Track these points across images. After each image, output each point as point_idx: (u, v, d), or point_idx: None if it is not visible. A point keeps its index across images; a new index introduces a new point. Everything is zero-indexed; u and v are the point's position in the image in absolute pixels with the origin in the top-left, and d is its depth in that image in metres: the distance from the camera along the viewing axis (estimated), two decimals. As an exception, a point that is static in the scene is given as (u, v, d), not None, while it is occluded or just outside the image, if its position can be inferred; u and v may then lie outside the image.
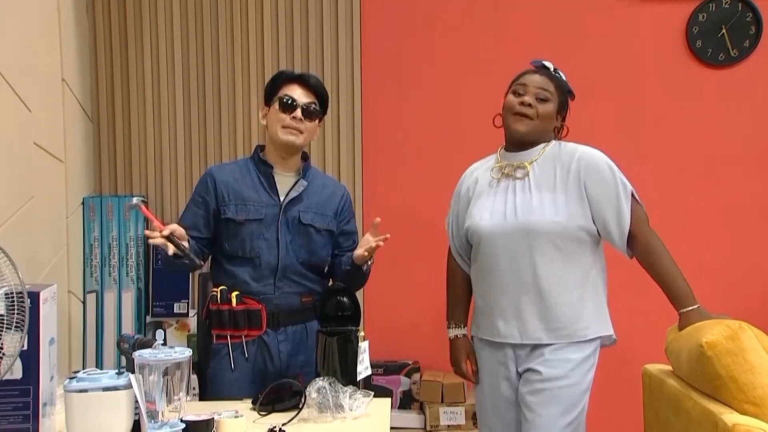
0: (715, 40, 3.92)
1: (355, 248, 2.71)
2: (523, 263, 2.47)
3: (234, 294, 2.59)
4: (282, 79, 2.69)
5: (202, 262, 2.58)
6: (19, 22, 2.80)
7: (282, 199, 2.65)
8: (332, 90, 4.00)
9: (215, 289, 2.62)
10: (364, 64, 4.01)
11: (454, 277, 2.78)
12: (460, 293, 2.76)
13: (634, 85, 3.96)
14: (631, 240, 2.51)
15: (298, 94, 2.65)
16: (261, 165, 2.68)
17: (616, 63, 3.97)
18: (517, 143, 2.57)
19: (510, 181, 2.55)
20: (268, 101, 2.72)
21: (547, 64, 2.66)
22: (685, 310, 2.49)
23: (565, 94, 2.61)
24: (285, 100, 2.63)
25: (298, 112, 2.62)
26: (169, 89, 4.03)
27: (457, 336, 2.74)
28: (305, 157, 2.77)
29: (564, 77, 2.65)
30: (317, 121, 2.71)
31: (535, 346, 2.49)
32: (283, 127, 2.62)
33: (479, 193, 2.62)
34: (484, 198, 2.59)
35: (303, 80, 2.68)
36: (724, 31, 3.90)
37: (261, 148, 2.75)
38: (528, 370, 2.49)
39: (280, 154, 2.67)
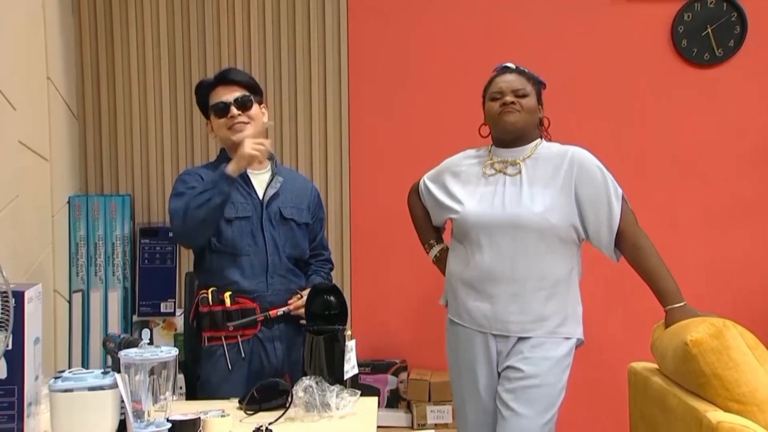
0: (700, 40, 3.94)
1: (323, 245, 2.88)
2: (506, 254, 2.50)
3: (227, 294, 2.58)
4: (205, 90, 2.71)
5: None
6: (4, 20, 2.79)
7: (261, 196, 2.66)
8: (319, 89, 4.00)
9: (205, 291, 2.61)
10: (351, 64, 4.01)
11: (415, 209, 2.88)
12: (427, 220, 2.84)
13: (619, 84, 3.97)
14: (620, 239, 2.54)
15: (223, 95, 2.65)
16: None
17: (602, 62, 3.98)
18: (510, 139, 2.61)
19: (501, 176, 2.59)
20: (206, 114, 2.74)
21: (510, 65, 2.70)
22: (671, 306, 2.52)
23: (537, 85, 2.66)
24: (216, 108, 2.65)
25: (233, 110, 2.63)
26: (155, 87, 4.01)
27: (441, 251, 2.82)
28: (270, 156, 2.76)
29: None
30: (258, 106, 2.71)
31: (516, 341, 2.51)
32: (228, 128, 2.64)
33: (467, 181, 2.65)
34: (472, 187, 2.62)
35: (222, 81, 2.68)
36: (709, 30, 3.92)
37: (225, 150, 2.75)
38: (507, 368, 2.52)
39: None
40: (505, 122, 2.57)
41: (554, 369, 2.49)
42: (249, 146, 2.50)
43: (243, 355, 2.58)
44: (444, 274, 2.77)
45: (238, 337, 2.58)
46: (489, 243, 2.52)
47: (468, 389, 2.63)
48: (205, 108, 2.73)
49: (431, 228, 2.85)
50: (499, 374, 2.56)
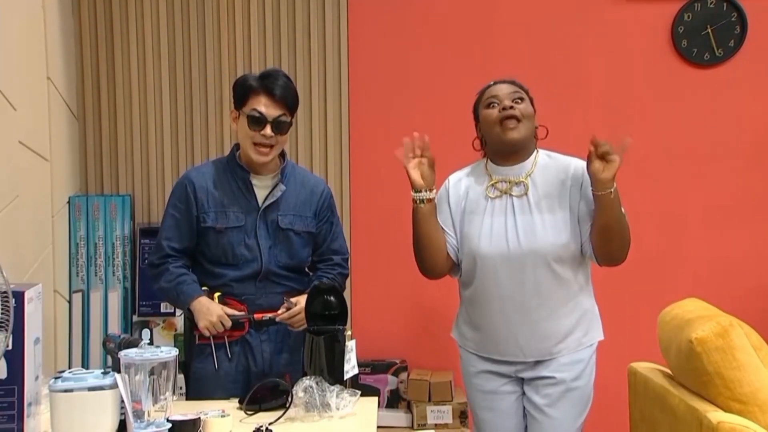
0: (700, 40, 3.94)
1: (333, 250, 2.78)
2: (526, 286, 2.43)
3: (216, 294, 2.59)
4: (249, 88, 2.59)
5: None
6: (4, 20, 2.79)
7: (260, 203, 2.63)
8: (319, 89, 4.00)
9: None
10: (351, 64, 4.01)
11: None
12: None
13: (620, 85, 3.97)
14: None
15: (266, 107, 2.56)
16: (239, 171, 2.65)
17: (602, 62, 3.98)
18: (510, 152, 2.50)
19: (507, 198, 2.49)
20: (237, 105, 2.64)
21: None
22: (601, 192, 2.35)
23: (528, 94, 2.56)
24: (254, 117, 2.55)
25: (268, 130, 2.55)
26: (155, 88, 4.01)
27: (429, 201, 2.50)
28: (282, 153, 2.73)
29: None
30: (287, 131, 2.65)
31: (538, 361, 2.50)
32: (254, 143, 2.57)
33: (472, 209, 2.53)
34: (479, 216, 2.51)
35: (270, 91, 2.56)
36: (709, 30, 3.92)
37: (238, 146, 2.70)
38: (540, 377, 2.49)
39: (251, 163, 2.64)
40: (509, 139, 2.44)
41: (586, 371, 2.50)
42: (208, 324, 2.54)
43: (229, 356, 2.59)
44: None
45: (225, 338, 2.59)
46: (507, 278, 2.44)
47: (495, 419, 2.58)
48: (237, 98, 2.64)
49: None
50: (521, 379, 2.53)
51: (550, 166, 2.50)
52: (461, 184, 2.59)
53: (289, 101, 2.61)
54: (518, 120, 2.44)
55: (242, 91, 2.61)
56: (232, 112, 2.69)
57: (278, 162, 2.70)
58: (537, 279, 2.43)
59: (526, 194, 2.47)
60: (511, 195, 2.48)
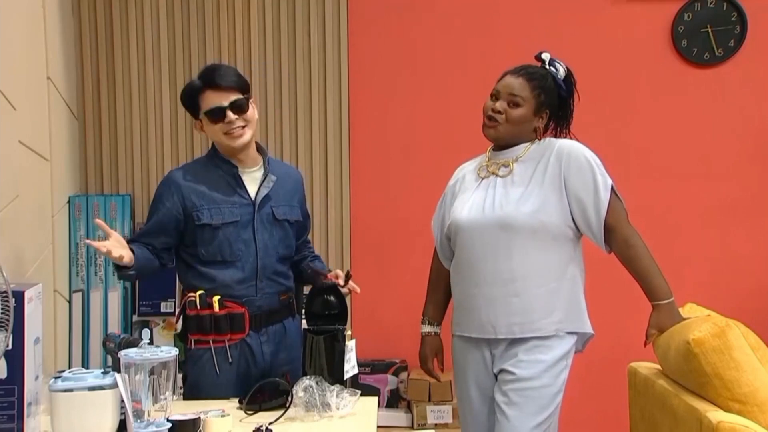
0: (700, 40, 3.94)
1: (306, 228, 2.86)
2: (498, 256, 2.47)
3: (216, 298, 2.53)
4: (195, 92, 2.59)
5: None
6: (4, 20, 2.79)
7: (253, 197, 2.61)
8: (319, 89, 4.00)
9: (193, 294, 2.56)
10: (351, 64, 4.01)
11: (435, 275, 2.81)
12: (438, 291, 2.78)
13: (620, 84, 3.98)
14: (610, 234, 2.51)
15: (217, 99, 2.54)
16: (224, 165, 2.62)
17: (602, 62, 3.98)
18: (495, 144, 2.63)
19: (493, 177, 2.58)
20: (194, 114, 2.63)
21: (544, 56, 2.67)
22: (658, 302, 2.51)
23: (549, 93, 2.59)
24: (212, 113, 2.54)
25: (230, 115, 2.54)
26: (155, 87, 4.01)
27: (428, 333, 2.78)
28: (261, 149, 2.71)
29: (560, 71, 2.65)
30: (250, 107, 2.62)
31: (510, 344, 2.49)
32: (225, 134, 2.55)
33: (463, 189, 2.64)
34: (466, 194, 2.62)
35: (213, 84, 2.55)
36: (709, 30, 3.93)
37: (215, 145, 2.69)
38: (501, 371, 2.50)
39: (235, 154, 2.61)
40: (486, 134, 2.59)
41: (548, 371, 2.46)
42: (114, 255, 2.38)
43: (230, 360, 2.55)
44: (420, 351, 2.78)
45: (226, 341, 2.54)
46: (482, 247, 2.50)
47: (469, 401, 2.62)
48: (192, 108, 2.63)
49: (436, 302, 2.79)
50: (495, 376, 2.55)
51: (539, 150, 2.57)
52: (462, 171, 2.74)
53: (236, 84, 2.58)
54: (498, 123, 2.54)
55: (192, 99, 2.61)
56: (195, 123, 2.67)
57: (258, 155, 2.68)
58: (509, 250, 2.47)
59: (510, 174, 2.55)
60: (497, 175, 2.58)
